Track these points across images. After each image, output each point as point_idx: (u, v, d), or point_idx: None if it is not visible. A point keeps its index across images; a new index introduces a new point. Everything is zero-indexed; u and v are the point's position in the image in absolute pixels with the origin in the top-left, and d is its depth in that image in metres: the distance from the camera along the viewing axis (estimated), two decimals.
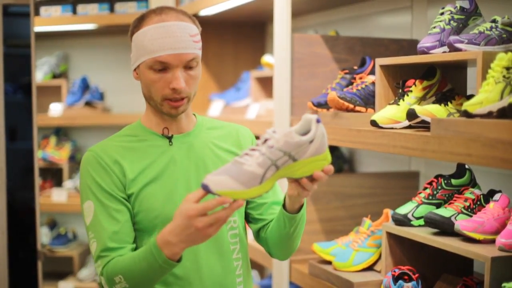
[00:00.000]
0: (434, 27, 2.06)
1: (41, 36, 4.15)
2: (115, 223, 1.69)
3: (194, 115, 1.87)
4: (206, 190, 1.45)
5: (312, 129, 1.54)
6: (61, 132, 4.71)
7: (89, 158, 1.74)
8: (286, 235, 1.75)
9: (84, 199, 1.73)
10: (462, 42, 1.91)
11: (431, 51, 2.02)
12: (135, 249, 1.72)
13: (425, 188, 2.24)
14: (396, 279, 2.12)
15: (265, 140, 1.52)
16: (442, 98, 2.03)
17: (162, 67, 1.69)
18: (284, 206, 1.72)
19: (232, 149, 1.84)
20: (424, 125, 1.93)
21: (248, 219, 1.88)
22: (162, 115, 1.78)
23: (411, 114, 1.94)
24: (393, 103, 2.11)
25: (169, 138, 1.79)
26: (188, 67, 1.71)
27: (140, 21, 1.73)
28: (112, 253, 1.67)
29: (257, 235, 1.89)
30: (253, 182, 1.48)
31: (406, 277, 2.13)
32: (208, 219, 1.47)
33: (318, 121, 1.54)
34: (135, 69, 1.76)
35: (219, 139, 1.84)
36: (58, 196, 4.32)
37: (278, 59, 2.71)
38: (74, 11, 4.21)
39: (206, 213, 1.48)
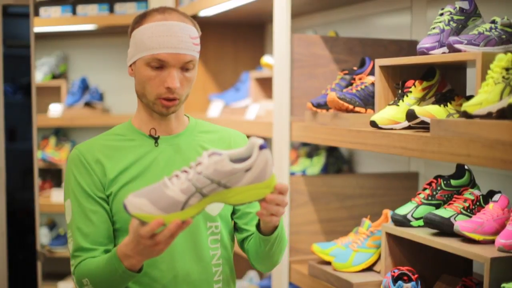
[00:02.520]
0: (434, 28, 2.07)
1: (41, 36, 4.15)
2: (89, 224, 1.70)
3: (188, 117, 1.85)
4: (125, 210, 1.43)
5: (252, 156, 1.44)
6: (60, 133, 4.71)
7: (73, 157, 1.75)
8: (262, 253, 1.74)
9: (66, 197, 1.75)
10: (461, 43, 1.91)
11: (430, 52, 2.02)
12: None
13: (425, 189, 2.24)
14: (395, 279, 2.12)
15: (198, 163, 1.44)
16: (441, 99, 2.03)
17: (159, 64, 1.68)
18: (258, 226, 1.70)
19: None
20: (424, 126, 1.93)
21: (235, 227, 1.86)
22: (151, 115, 1.77)
23: (411, 115, 1.94)
24: (392, 104, 2.11)
25: (156, 139, 1.77)
26: (184, 68, 1.70)
27: (141, 18, 1.73)
28: (84, 253, 1.68)
29: (241, 245, 1.87)
30: (174, 208, 1.42)
31: (405, 277, 2.13)
32: (151, 241, 1.48)
33: (261, 147, 1.44)
34: (130, 65, 1.76)
35: (209, 142, 1.81)
36: (57, 197, 4.32)
37: (277, 59, 2.71)
38: (74, 12, 4.21)
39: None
